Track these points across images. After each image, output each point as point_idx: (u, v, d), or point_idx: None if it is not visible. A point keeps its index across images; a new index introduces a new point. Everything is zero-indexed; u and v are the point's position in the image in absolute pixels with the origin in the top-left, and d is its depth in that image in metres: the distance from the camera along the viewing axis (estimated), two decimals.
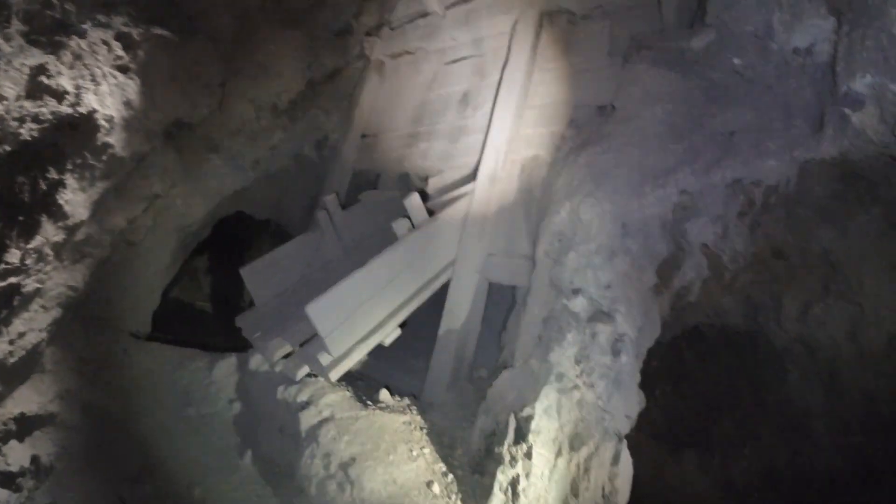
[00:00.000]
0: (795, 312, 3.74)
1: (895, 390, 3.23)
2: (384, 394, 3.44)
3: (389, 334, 3.25)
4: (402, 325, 3.40)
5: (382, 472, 2.70)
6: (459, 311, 3.48)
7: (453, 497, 2.60)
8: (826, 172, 3.04)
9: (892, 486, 3.07)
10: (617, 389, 2.71)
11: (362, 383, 3.84)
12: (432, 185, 4.18)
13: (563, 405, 2.54)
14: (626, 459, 2.62)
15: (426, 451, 2.90)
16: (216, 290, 7.16)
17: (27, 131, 2.04)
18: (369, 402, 3.33)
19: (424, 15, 4.80)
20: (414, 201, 3.41)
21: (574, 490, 2.44)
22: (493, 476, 2.49)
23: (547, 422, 2.49)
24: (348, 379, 3.83)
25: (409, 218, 3.36)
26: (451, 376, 3.45)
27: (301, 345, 3.37)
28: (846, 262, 3.41)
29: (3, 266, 2.14)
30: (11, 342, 2.48)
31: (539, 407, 2.52)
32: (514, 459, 2.46)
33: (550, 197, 3.37)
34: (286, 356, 3.53)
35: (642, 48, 3.55)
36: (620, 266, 2.87)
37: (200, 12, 3.45)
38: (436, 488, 2.64)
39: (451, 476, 2.74)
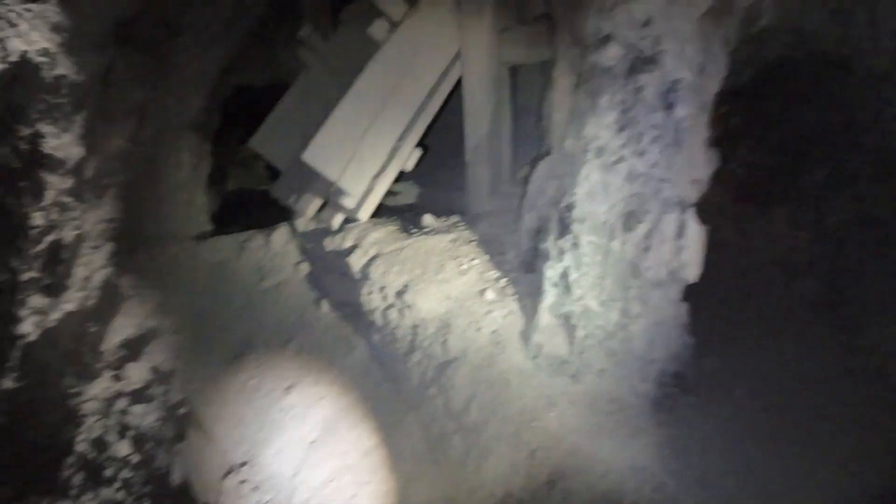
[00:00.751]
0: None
1: None
2: (427, 218, 3.31)
3: (409, 158, 2.94)
4: (423, 146, 3.05)
5: (435, 291, 2.70)
6: (481, 111, 3.00)
7: (507, 299, 2.56)
8: None
9: None
10: (676, 151, 2.25)
11: (410, 213, 3.75)
12: None
13: (609, 183, 2.19)
14: (694, 229, 2.28)
15: (476, 262, 2.82)
16: (272, 170, 7.26)
17: None
18: (414, 230, 3.25)
19: None
20: None
21: (634, 272, 2.23)
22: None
23: (592, 206, 2.19)
24: (396, 212, 3.75)
25: (386, 16, 2.70)
26: (491, 183, 3.17)
27: (329, 194, 3.23)
28: None
29: (36, 230, 2.17)
30: (82, 288, 2.64)
31: (580, 192, 2.20)
32: (561, 252, 2.27)
33: None
34: (322, 208, 3.45)
35: None
36: None
37: None
38: (489, 295, 2.61)
39: (503, 280, 2.68)
